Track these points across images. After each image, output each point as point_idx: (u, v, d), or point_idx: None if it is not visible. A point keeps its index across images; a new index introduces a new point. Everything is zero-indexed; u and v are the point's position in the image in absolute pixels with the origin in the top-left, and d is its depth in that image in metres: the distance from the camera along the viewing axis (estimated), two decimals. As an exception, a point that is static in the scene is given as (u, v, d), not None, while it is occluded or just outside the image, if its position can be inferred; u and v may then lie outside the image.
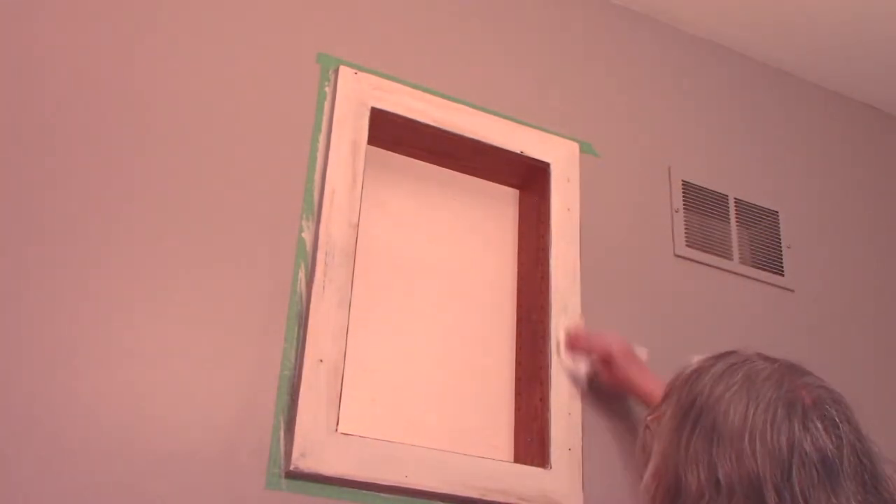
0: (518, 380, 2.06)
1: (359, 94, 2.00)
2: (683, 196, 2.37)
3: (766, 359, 1.01)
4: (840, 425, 0.91)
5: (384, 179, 2.11)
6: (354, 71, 2.01)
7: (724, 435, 0.90)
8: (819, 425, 0.90)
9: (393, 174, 2.14)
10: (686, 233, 2.33)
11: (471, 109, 2.13)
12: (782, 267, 2.44)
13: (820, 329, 2.43)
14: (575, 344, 1.92)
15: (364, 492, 1.70)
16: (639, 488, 0.98)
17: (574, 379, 1.97)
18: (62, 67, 1.75)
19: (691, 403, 0.95)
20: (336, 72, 2.00)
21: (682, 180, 2.39)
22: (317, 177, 1.90)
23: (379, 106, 2.01)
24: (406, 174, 2.16)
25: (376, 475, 1.69)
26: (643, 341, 2.14)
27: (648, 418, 1.02)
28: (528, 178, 2.24)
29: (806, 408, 0.91)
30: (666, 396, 1.02)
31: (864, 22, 2.56)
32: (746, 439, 0.88)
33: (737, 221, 2.43)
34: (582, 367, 1.97)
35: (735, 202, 2.45)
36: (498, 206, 2.25)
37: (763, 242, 2.46)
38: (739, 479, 0.86)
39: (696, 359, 1.05)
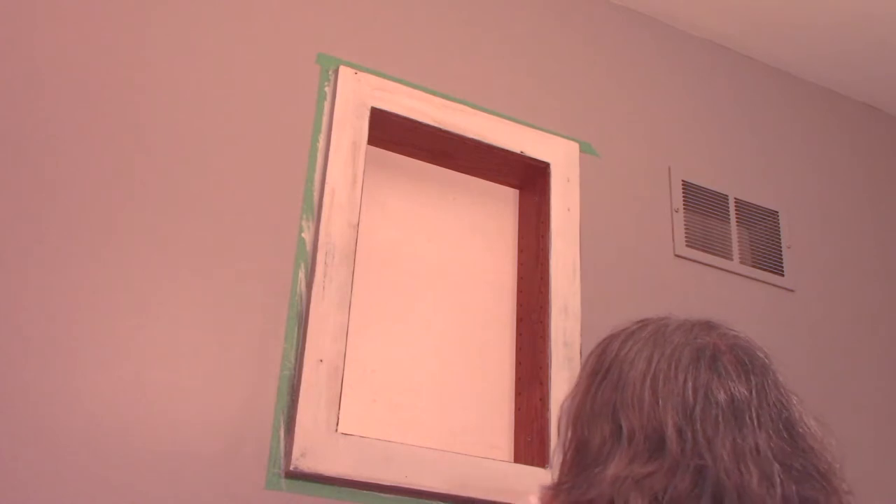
0: (518, 380, 2.06)
1: (359, 94, 2.00)
2: (683, 196, 2.37)
3: (682, 319, 0.98)
4: (754, 372, 0.86)
5: (384, 179, 2.11)
6: (354, 71, 2.01)
7: (628, 383, 0.86)
8: (731, 370, 0.86)
9: (393, 174, 2.14)
10: (686, 233, 2.33)
11: (471, 109, 2.13)
12: (782, 267, 2.44)
13: (820, 329, 2.43)
14: None
15: (364, 492, 1.70)
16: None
17: None
18: (62, 68, 1.75)
19: (601, 364, 0.91)
20: (336, 72, 2.00)
21: (682, 180, 2.39)
22: (317, 177, 1.90)
23: (379, 106, 2.01)
24: (406, 174, 2.16)
25: (376, 475, 1.69)
26: (643, 341, 2.14)
27: (564, 402, 0.96)
28: (528, 178, 2.23)
29: (718, 352, 0.87)
30: (581, 372, 0.98)
31: (863, 22, 2.56)
32: (648, 383, 0.84)
33: (737, 221, 2.43)
34: None
35: (735, 202, 2.45)
36: (498, 206, 2.25)
37: (763, 242, 2.46)
38: (641, 425, 0.82)
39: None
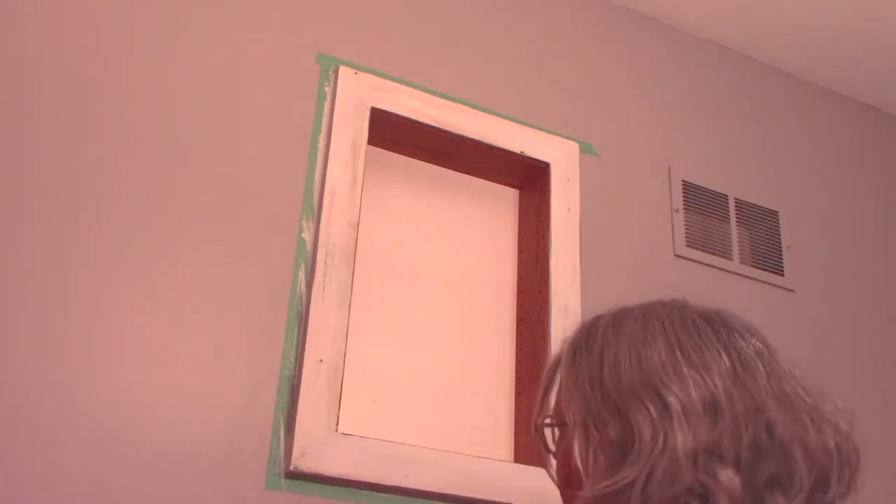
0: (518, 380, 2.06)
1: (359, 94, 2.00)
2: (683, 196, 2.37)
3: (649, 302, 0.98)
4: (748, 329, 0.90)
5: (384, 179, 2.11)
6: (354, 71, 2.01)
7: (653, 360, 0.83)
8: (738, 328, 0.89)
9: (393, 174, 2.14)
10: (686, 233, 2.33)
11: (471, 109, 2.13)
12: (782, 267, 2.44)
13: (820, 329, 2.43)
14: None
15: (364, 492, 1.70)
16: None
17: None
18: (61, 68, 1.75)
19: (600, 356, 0.86)
20: (336, 72, 2.00)
21: (682, 180, 2.39)
22: (317, 177, 1.90)
23: (379, 106, 2.01)
24: (406, 174, 2.16)
25: (376, 475, 1.69)
26: (643, 341, 2.14)
27: (538, 420, 0.92)
28: (528, 178, 2.24)
29: (718, 316, 0.90)
30: (549, 384, 0.93)
31: (864, 23, 2.56)
32: (680, 355, 0.83)
33: (737, 221, 2.43)
34: None
35: (735, 202, 2.45)
36: (498, 206, 2.25)
37: (763, 242, 2.46)
38: (692, 397, 0.79)
39: None
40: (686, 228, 2.33)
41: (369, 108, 1.99)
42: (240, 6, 1.98)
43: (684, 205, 2.36)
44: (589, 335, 0.90)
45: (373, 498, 1.70)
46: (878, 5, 2.49)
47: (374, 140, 2.04)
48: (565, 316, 2.03)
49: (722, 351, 0.84)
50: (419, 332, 2.03)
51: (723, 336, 0.86)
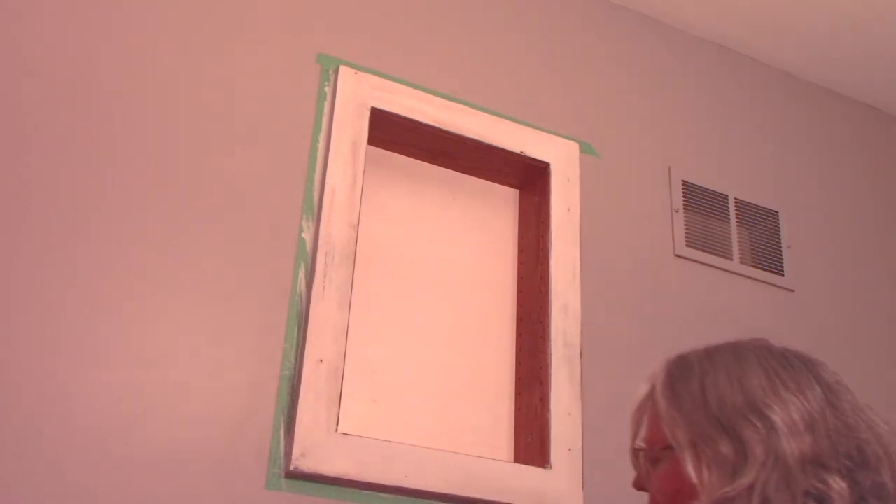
0: (518, 380, 2.06)
1: (359, 94, 2.00)
2: (683, 196, 2.37)
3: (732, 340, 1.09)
4: (815, 362, 1.04)
5: (384, 179, 2.11)
6: (354, 71, 2.01)
7: (753, 385, 0.94)
8: (814, 360, 1.03)
9: (393, 174, 2.14)
10: (686, 233, 2.33)
11: (471, 109, 2.13)
12: (782, 267, 2.44)
13: (820, 329, 2.43)
14: None
15: (364, 492, 1.70)
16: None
17: None
18: (62, 69, 1.75)
19: (699, 385, 0.97)
20: (336, 72, 2.00)
21: (682, 180, 2.39)
22: (317, 177, 1.90)
23: (379, 106, 2.01)
24: (406, 174, 2.16)
25: (376, 475, 1.69)
26: (643, 341, 2.14)
27: (638, 446, 1.03)
28: (528, 178, 2.23)
29: (797, 353, 1.03)
30: (642, 415, 1.04)
31: (864, 23, 2.56)
32: (779, 381, 0.95)
33: (737, 221, 2.43)
34: None
35: (735, 202, 2.45)
36: (498, 206, 2.25)
37: (763, 242, 2.46)
38: (792, 417, 0.91)
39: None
40: (686, 228, 2.33)
41: (369, 108, 1.99)
42: (240, 6, 1.98)
43: (684, 205, 2.36)
44: (682, 369, 1.01)
45: (373, 498, 1.70)
46: (878, 5, 2.49)
47: (374, 140, 2.04)
48: (565, 316, 2.03)
49: (812, 378, 0.97)
50: (419, 332, 2.03)
51: (809, 367, 1.00)
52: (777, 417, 0.91)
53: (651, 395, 1.03)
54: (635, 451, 1.03)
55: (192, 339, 1.67)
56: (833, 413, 0.93)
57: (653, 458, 1.00)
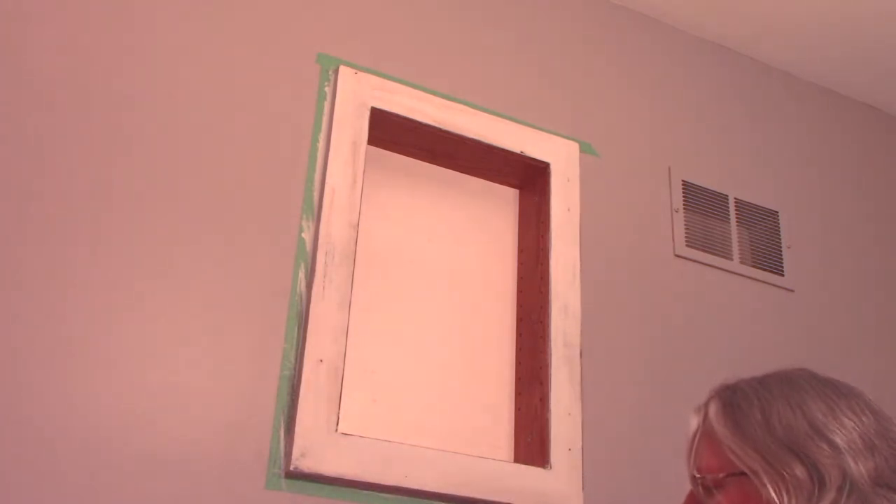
0: (518, 380, 2.06)
1: (359, 94, 2.00)
2: (683, 196, 2.37)
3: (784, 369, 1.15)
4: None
5: (384, 179, 2.11)
6: (354, 71, 2.01)
7: (814, 412, 1.00)
8: (855, 390, 1.07)
9: (393, 174, 2.14)
10: (686, 233, 2.33)
11: (471, 109, 2.13)
12: (782, 267, 2.44)
13: (820, 329, 2.43)
14: None
15: (364, 492, 1.70)
16: None
17: None
18: (60, 67, 1.75)
19: (762, 410, 1.02)
20: (336, 72, 2.00)
21: (682, 180, 2.39)
22: (317, 177, 1.90)
23: (379, 106, 2.01)
24: (406, 174, 2.16)
25: (376, 475, 1.69)
26: (643, 341, 2.14)
27: (700, 475, 1.05)
28: (528, 178, 2.24)
29: (842, 384, 1.08)
30: (709, 438, 1.07)
31: (864, 23, 2.56)
32: (840, 408, 1.01)
33: (737, 221, 2.43)
34: None
35: (735, 202, 2.45)
36: (498, 206, 2.25)
37: (763, 242, 2.46)
38: (852, 439, 0.97)
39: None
40: (686, 228, 2.33)
41: (369, 108, 2.00)
42: (240, 6, 1.98)
43: (684, 205, 2.36)
44: (738, 397, 1.05)
45: (373, 498, 1.70)
46: (878, 5, 2.49)
47: (374, 140, 2.04)
48: (565, 316, 2.03)
49: (861, 402, 1.04)
50: (419, 332, 2.03)
51: (855, 392, 1.06)
52: (841, 440, 0.97)
53: (703, 425, 1.07)
54: (693, 479, 1.07)
55: (191, 339, 1.67)
56: (885, 432, 1.00)
57: (714, 484, 1.02)
